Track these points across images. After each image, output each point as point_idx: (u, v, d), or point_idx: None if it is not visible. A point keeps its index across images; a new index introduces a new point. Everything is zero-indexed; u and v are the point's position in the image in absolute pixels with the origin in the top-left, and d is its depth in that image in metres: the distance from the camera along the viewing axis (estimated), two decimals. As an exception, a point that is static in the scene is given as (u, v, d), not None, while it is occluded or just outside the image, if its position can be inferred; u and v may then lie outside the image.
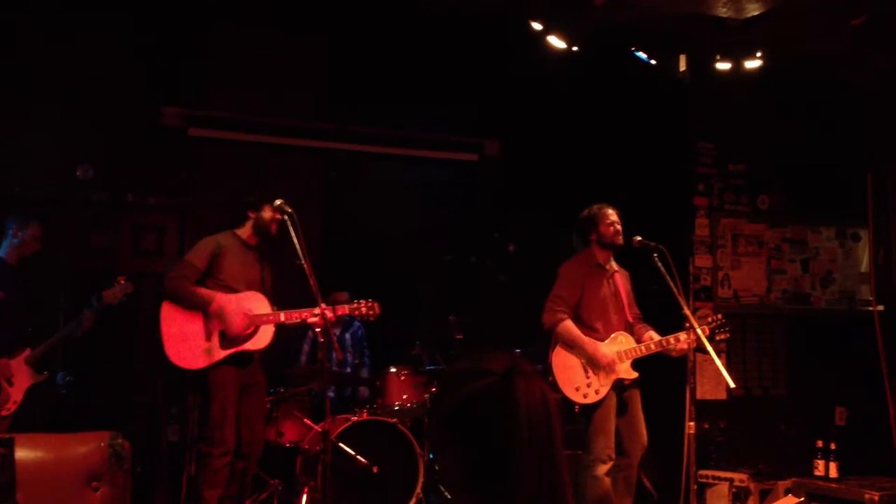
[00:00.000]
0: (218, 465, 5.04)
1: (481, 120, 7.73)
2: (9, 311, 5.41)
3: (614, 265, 5.54)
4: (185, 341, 5.06)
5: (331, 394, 6.47)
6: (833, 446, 5.80)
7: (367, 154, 7.71)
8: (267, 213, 5.34)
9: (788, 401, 7.33)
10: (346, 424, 5.74)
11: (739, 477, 6.35)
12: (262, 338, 5.25)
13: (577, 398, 5.19)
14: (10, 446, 2.10)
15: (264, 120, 7.29)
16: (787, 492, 6.00)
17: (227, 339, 5.12)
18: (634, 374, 5.32)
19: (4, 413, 5.29)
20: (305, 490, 5.73)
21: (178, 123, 7.05)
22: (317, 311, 4.97)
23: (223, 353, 5.11)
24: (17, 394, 5.36)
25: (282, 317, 5.26)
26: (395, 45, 7.16)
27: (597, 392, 5.21)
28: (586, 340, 5.24)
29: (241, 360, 5.20)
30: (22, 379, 5.40)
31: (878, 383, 6.55)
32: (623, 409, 5.35)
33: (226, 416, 5.08)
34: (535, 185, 7.73)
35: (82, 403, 6.22)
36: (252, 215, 5.38)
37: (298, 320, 5.26)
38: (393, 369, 6.29)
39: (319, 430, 5.45)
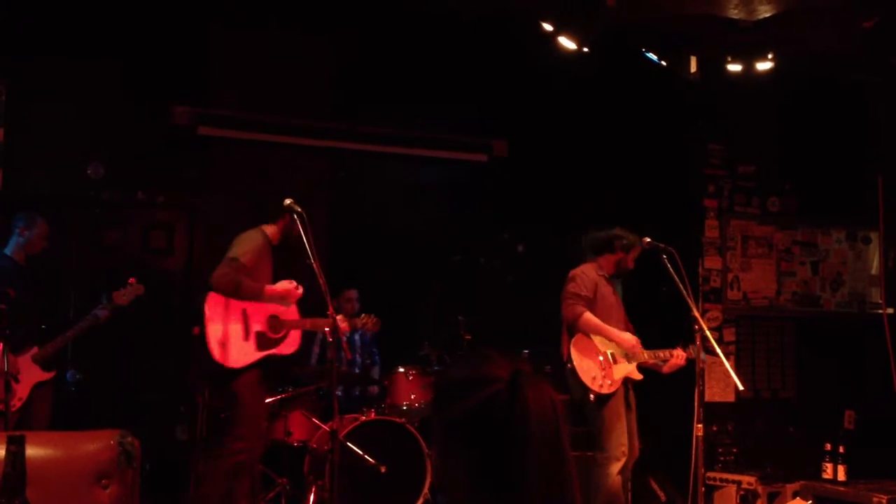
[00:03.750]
0: (245, 459, 5.13)
1: (490, 120, 7.73)
2: (17, 309, 5.42)
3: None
4: (228, 340, 5.10)
5: (339, 393, 6.48)
6: (842, 449, 5.77)
7: (376, 154, 7.71)
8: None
9: (797, 403, 7.31)
10: (355, 424, 5.75)
11: (747, 480, 6.33)
12: (293, 342, 5.35)
13: (593, 386, 5.36)
14: (20, 444, 2.11)
15: (273, 119, 7.29)
16: (794, 495, 5.98)
17: (262, 341, 5.19)
18: (640, 376, 5.53)
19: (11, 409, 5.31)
20: (313, 489, 5.74)
21: (187, 122, 7.06)
22: (329, 321, 5.16)
23: (259, 355, 5.17)
24: (22, 391, 5.37)
25: (308, 324, 5.41)
26: (405, 44, 7.16)
27: (610, 385, 5.39)
28: (610, 328, 5.48)
29: (267, 364, 5.29)
30: (28, 376, 5.42)
31: (887, 386, 6.54)
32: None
33: (256, 415, 5.19)
34: (544, 186, 7.72)
35: (92, 401, 6.24)
36: (287, 220, 5.41)
37: (319, 328, 5.51)
38: (401, 369, 6.30)
39: (328, 429, 5.46)
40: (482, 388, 1.57)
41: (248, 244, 5.24)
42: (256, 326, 5.19)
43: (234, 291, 5.11)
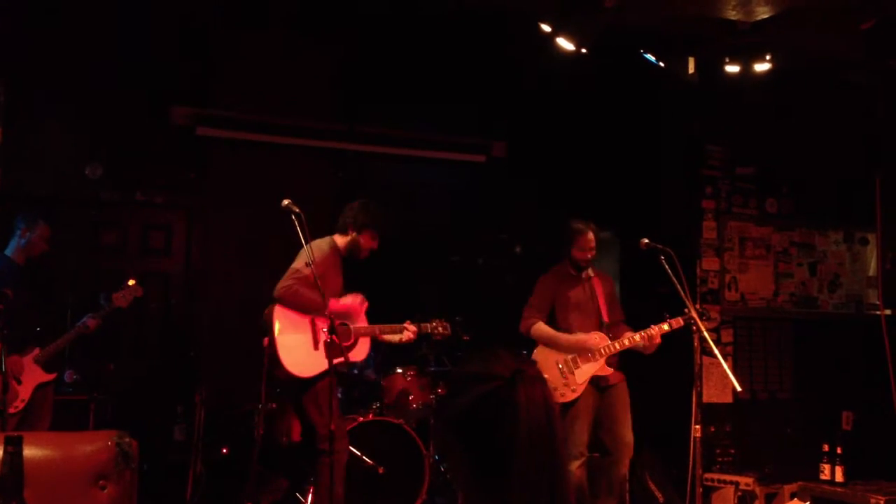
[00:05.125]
0: (344, 459, 5.14)
1: (488, 121, 7.73)
2: (17, 310, 5.42)
3: (590, 272, 5.82)
4: (297, 350, 5.06)
5: (338, 395, 6.48)
6: (839, 450, 5.77)
7: (375, 154, 7.72)
8: (364, 241, 5.39)
9: (795, 404, 7.31)
10: (353, 425, 5.75)
11: (745, 480, 6.34)
12: (362, 350, 5.36)
13: (555, 398, 5.34)
14: (17, 444, 2.12)
15: (273, 120, 7.30)
16: (792, 496, 5.99)
17: (332, 350, 5.13)
18: (609, 371, 5.58)
19: (12, 411, 5.29)
20: (311, 490, 5.74)
21: (186, 123, 7.07)
22: (407, 329, 5.41)
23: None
24: (24, 392, 5.36)
25: (377, 331, 5.40)
26: (404, 45, 7.17)
27: (573, 391, 5.50)
28: (561, 335, 5.57)
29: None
30: (30, 378, 5.42)
31: (884, 388, 6.54)
32: (605, 408, 5.61)
33: (337, 415, 5.13)
34: (542, 187, 7.73)
35: (89, 402, 6.24)
36: (352, 232, 5.38)
37: (391, 335, 5.47)
38: (399, 370, 6.30)
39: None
40: (480, 385, 1.61)
41: (314, 255, 5.04)
42: (325, 335, 5.09)
43: (298, 304, 5.05)
